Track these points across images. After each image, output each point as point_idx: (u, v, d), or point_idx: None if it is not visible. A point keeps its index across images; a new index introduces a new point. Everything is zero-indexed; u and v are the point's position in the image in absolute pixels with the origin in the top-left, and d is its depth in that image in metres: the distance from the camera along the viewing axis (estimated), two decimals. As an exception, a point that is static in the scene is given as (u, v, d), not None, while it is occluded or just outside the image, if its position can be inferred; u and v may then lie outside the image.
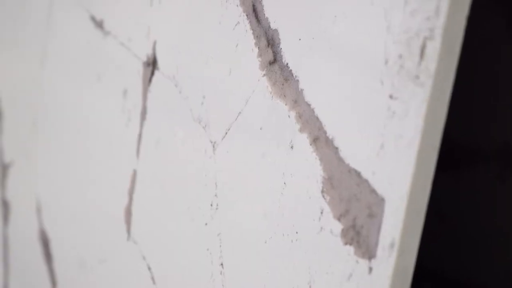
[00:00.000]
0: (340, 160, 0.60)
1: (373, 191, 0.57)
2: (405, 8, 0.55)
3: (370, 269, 0.57)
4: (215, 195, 0.72)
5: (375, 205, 0.57)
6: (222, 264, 0.71)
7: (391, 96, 0.56)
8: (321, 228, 0.61)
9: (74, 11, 0.94)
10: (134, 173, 0.83)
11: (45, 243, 1.01)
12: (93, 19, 0.90)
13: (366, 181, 0.58)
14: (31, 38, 1.03)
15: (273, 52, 0.66)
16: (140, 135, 0.82)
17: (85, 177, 0.93)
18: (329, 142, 0.61)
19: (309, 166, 0.62)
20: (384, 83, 0.56)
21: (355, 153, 0.59)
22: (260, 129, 0.67)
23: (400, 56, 0.55)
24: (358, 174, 0.58)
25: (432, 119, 0.54)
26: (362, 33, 0.59)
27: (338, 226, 0.60)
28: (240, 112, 0.69)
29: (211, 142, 0.72)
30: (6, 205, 1.11)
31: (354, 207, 0.58)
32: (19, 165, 1.07)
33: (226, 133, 0.71)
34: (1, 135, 1.11)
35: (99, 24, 0.89)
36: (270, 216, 0.66)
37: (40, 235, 1.02)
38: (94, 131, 0.92)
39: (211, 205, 0.72)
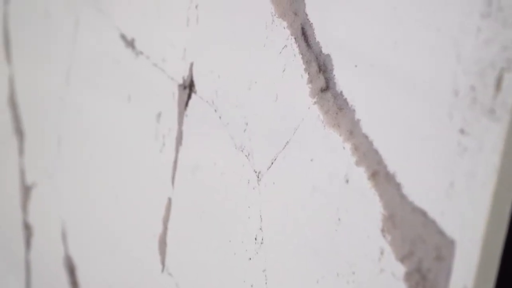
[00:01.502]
0: (403, 197, 0.56)
1: (440, 232, 0.53)
2: (478, 36, 0.51)
3: (438, 317, 0.53)
4: (260, 229, 0.68)
5: (444, 247, 0.53)
6: (268, 303, 0.67)
7: (462, 131, 0.52)
8: (382, 269, 0.57)
9: (102, 29, 0.90)
10: (169, 202, 0.79)
11: (71, 270, 0.97)
12: (123, 37, 0.86)
13: (433, 221, 0.53)
14: (55, 55, 0.99)
15: (325, 78, 0.62)
16: (175, 162, 0.78)
17: (114, 202, 0.89)
18: (390, 177, 0.57)
19: (367, 202, 0.58)
20: (453, 116, 0.52)
21: (421, 190, 0.54)
22: (311, 160, 0.63)
23: (473, 88, 0.51)
24: (424, 213, 0.54)
25: (510, 156, 0.50)
26: (428, 62, 0.54)
27: (401, 269, 0.55)
28: (287, 141, 0.65)
29: (255, 172, 0.68)
30: (28, 229, 1.07)
31: (419, 249, 0.54)
32: (42, 187, 1.03)
33: (272, 163, 0.67)
34: (23, 156, 1.07)
35: (130, 43, 0.85)
36: (323, 254, 0.62)
37: (65, 262, 0.98)
38: (124, 153, 0.88)
39: (255, 239, 0.68)
